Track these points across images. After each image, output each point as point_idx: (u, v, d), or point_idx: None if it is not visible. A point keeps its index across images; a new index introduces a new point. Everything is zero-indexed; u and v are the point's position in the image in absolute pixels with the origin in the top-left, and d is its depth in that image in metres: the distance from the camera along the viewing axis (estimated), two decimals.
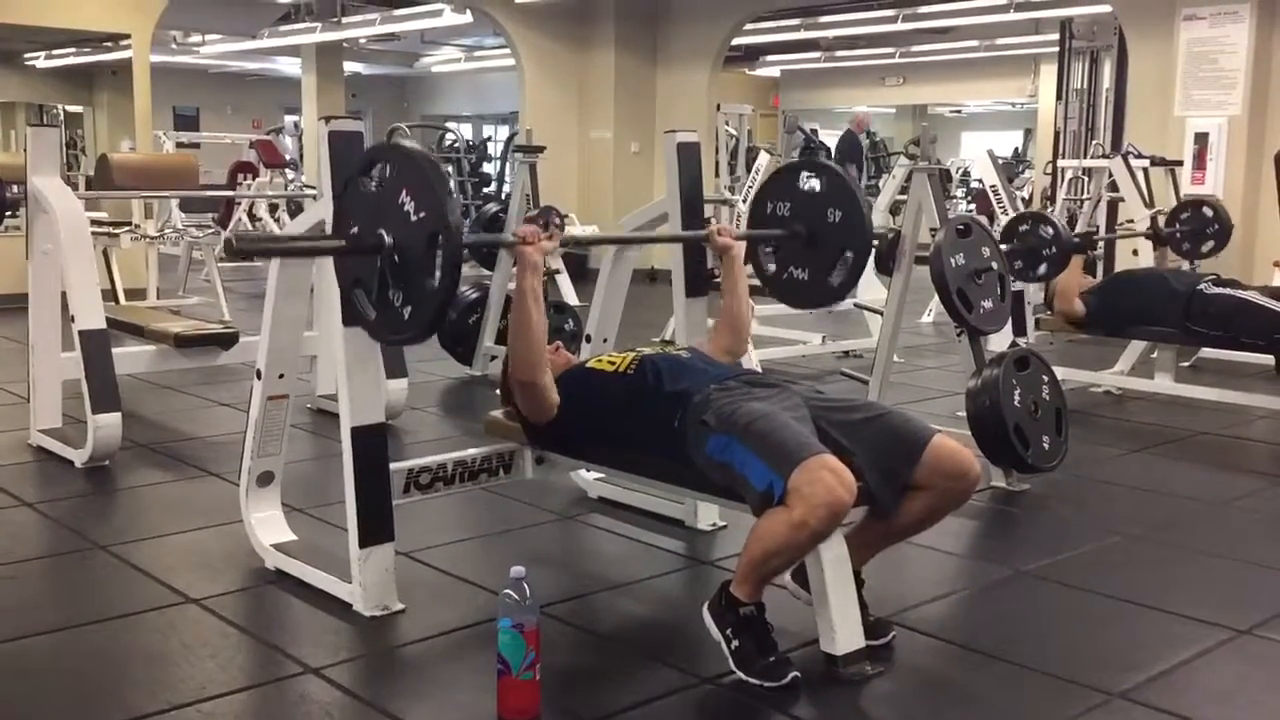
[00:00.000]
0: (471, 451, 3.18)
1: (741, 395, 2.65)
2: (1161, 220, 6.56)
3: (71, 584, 3.18)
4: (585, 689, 2.53)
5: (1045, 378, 4.09)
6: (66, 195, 4.35)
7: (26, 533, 3.60)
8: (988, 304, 4.13)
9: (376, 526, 2.87)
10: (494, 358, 5.88)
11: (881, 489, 2.57)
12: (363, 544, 2.84)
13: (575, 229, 8.81)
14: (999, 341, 5.10)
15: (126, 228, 7.73)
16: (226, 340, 4.87)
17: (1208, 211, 6.45)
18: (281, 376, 3.14)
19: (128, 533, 3.53)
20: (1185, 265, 6.50)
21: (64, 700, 2.45)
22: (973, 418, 3.96)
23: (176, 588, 3.04)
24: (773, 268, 3.47)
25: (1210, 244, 6.42)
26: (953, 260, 4.05)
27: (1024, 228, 5.26)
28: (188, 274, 9.24)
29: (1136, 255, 6.63)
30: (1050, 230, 5.17)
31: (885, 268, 4.84)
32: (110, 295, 7.03)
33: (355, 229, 2.62)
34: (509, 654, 2.28)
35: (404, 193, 2.50)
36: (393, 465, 2.94)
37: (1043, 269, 5.20)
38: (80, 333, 4.16)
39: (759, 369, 3.67)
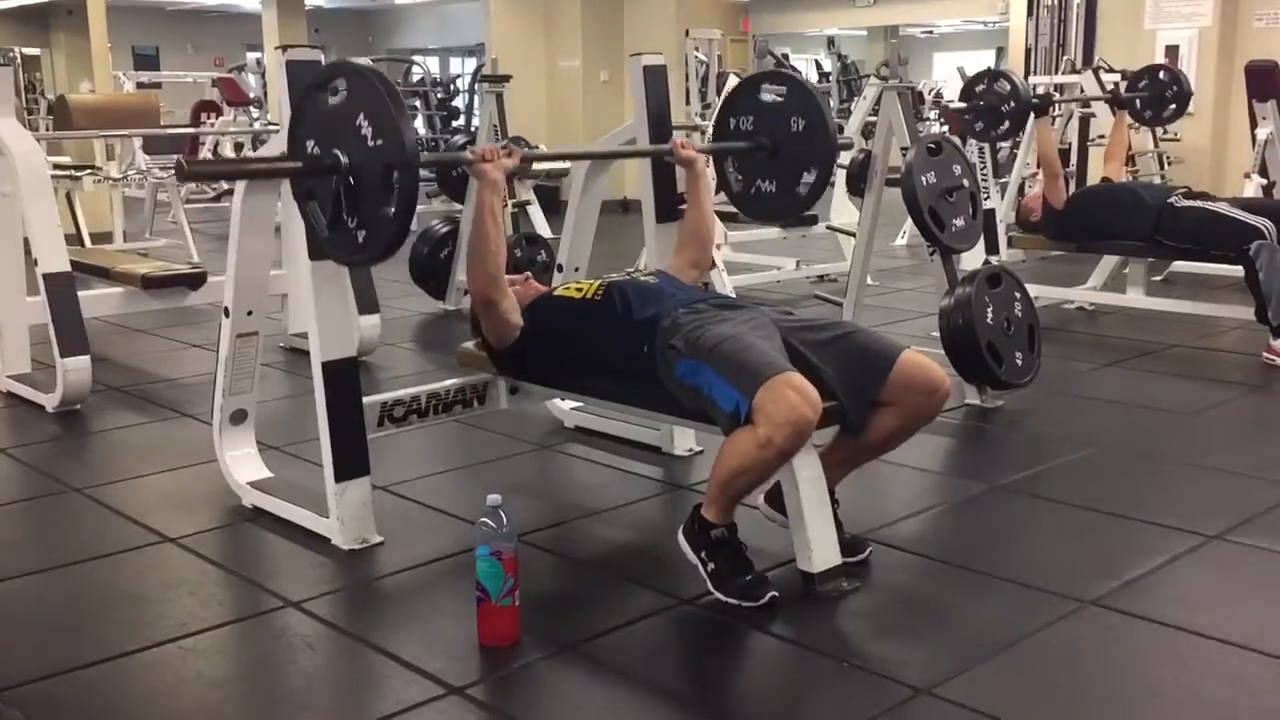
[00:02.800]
0: (445, 383, 3.17)
1: (709, 318, 2.63)
2: (1123, 87, 6.54)
3: (47, 527, 3.17)
4: (565, 613, 2.55)
5: (1018, 294, 4.10)
6: (24, 136, 4.28)
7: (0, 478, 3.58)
8: (959, 222, 4.13)
9: (352, 461, 2.86)
10: (467, 292, 5.84)
11: (852, 406, 2.58)
12: (339, 478, 2.84)
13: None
14: (971, 260, 5.10)
15: (89, 170, 7.61)
16: (194, 280, 4.82)
17: (1164, 76, 6.43)
18: (250, 313, 3.11)
19: (102, 475, 3.52)
20: (1157, 179, 6.50)
21: (44, 641, 2.44)
22: (945, 336, 3.97)
23: (153, 528, 3.03)
24: (740, 183, 3.43)
25: (1171, 108, 6.40)
26: (924, 179, 4.04)
27: (980, 86, 5.23)
28: (154, 216, 9.13)
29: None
30: (1007, 86, 5.13)
31: (857, 189, 4.83)
32: (75, 239, 6.94)
33: (311, 147, 2.55)
34: (487, 581, 2.29)
35: (361, 116, 2.44)
36: (366, 399, 2.93)
37: (1004, 126, 5.17)
38: (44, 276, 4.10)
39: (733, 294, 3.68)
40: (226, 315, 3.09)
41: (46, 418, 4.13)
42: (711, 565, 2.51)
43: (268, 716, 2.18)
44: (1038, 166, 5.81)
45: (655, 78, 3.52)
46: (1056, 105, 6.50)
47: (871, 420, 2.62)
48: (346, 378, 2.85)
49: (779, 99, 3.30)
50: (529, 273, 3.29)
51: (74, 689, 2.22)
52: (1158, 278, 6.40)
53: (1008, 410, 4.07)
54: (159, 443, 3.89)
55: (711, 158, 3.45)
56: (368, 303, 4.79)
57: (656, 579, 2.65)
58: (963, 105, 5.31)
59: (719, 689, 2.25)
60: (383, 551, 2.85)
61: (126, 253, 6.72)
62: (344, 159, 2.48)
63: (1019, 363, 3.99)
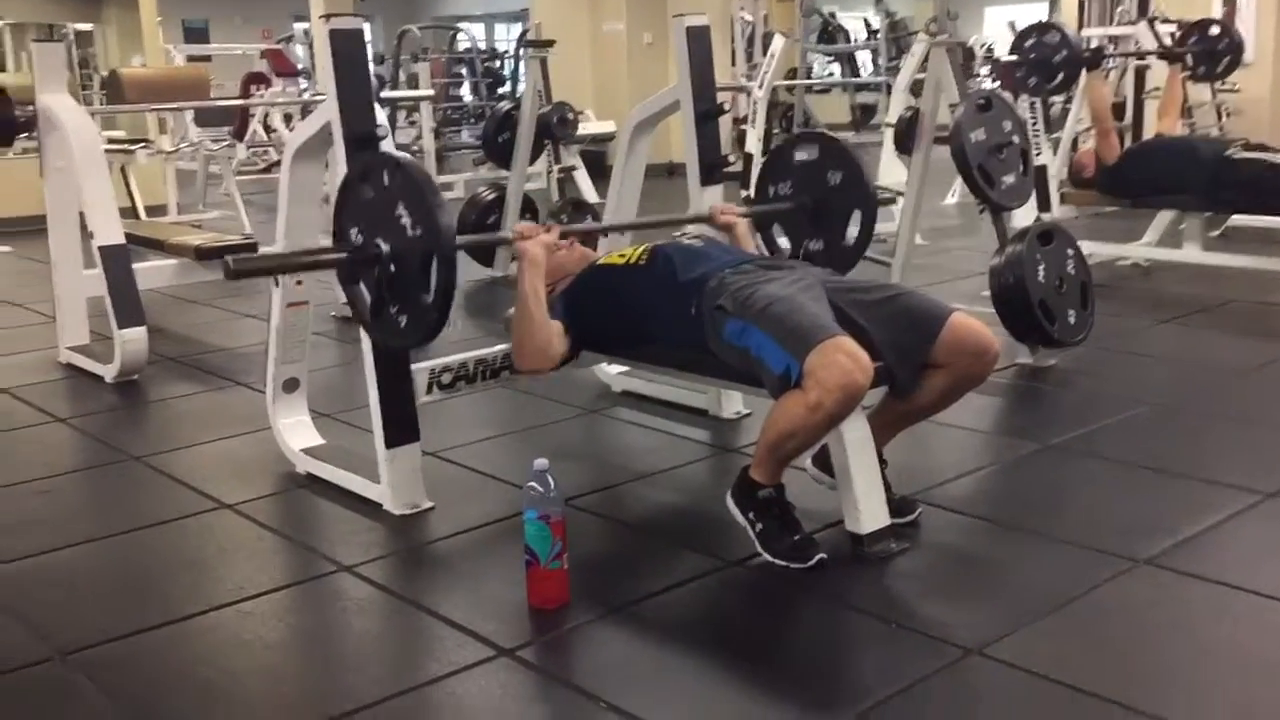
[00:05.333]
0: (493, 349, 3.19)
1: (757, 278, 2.62)
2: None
3: (108, 495, 3.25)
4: (614, 576, 2.56)
5: (1070, 252, 4.04)
6: (77, 110, 4.34)
7: (62, 447, 3.66)
8: (1010, 179, 4.06)
9: (402, 427, 2.89)
10: (514, 258, 5.85)
11: (900, 368, 2.56)
12: (389, 444, 2.87)
13: (591, 125, 8.70)
14: (1023, 217, 5.02)
15: (142, 144, 7.71)
16: (247, 251, 4.87)
17: (1215, 30, 6.34)
18: (300, 283, 3.15)
19: (161, 443, 3.59)
20: (1215, 131, 6.37)
21: (107, 604, 2.51)
22: (997, 295, 3.93)
23: (211, 494, 3.09)
24: (787, 246, 3.40)
25: (1226, 60, 6.32)
26: (973, 136, 3.98)
27: (1030, 40, 5.14)
28: (206, 188, 9.22)
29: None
30: (1058, 37, 5.02)
31: (905, 147, 4.77)
32: (130, 212, 7.02)
33: (355, 235, 2.59)
34: (536, 545, 2.31)
35: (400, 205, 2.47)
36: (415, 366, 2.96)
37: (1057, 80, 5.09)
38: (100, 249, 4.17)
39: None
40: (277, 285, 3.13)
41: (105, 388, 4.21)
42: (760, 525, 2.51)
43: (323, 677, 2.22)
44: (1091, 121, 5.72)
45: (698, 39, 3.49)
46: (1109, 59, 6.38)
47: (920, 382, 2.60)
48: None
49: (811, 158, 3.28)
50: (573, 237, 3.27)
51: (136, 651, 2.28)
52: (1215, 233, 6.27)
53: (1060, 369, 4.02)
54: (214, 411, 3.96)
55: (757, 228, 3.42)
56: None
57: (704, 541, 2.66)
58: (1013, 59, 5.20)
59: (767, 650, 2.25)
60: (433, 516, 2.88)
61: (180, 225, 6.82)
62: (385, 248, 2.52)
63: (1072, 321, 3.93)
